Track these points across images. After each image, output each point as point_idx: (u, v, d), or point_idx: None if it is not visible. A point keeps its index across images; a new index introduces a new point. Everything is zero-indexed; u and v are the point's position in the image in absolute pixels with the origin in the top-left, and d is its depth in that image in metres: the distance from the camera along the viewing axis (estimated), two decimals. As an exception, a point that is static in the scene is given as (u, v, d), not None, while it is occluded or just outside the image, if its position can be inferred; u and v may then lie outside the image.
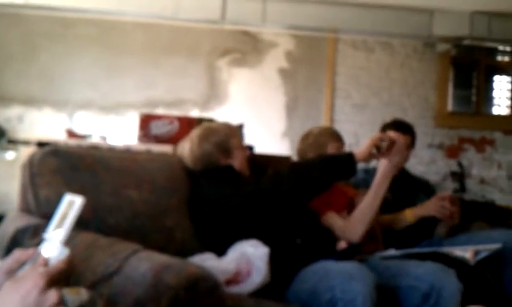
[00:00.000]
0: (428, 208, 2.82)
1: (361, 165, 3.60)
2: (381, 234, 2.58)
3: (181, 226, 2.19)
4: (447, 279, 1.99)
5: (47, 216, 1.82)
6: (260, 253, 1.94)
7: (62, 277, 0.98)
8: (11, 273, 1.04)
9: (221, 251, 2.03)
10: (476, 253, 2.29)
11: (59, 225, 1.06)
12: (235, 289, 1.90)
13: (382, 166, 2.42)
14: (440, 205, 2.77)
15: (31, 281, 0.94)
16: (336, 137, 2.74)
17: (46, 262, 1.00)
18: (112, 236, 1.76)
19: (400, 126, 3.15)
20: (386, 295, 1.98)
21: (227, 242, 2.06)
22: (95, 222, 1.88)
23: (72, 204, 1.08)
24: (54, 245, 1.04)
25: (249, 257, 1.94)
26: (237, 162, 2.42)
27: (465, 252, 2.31)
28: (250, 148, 3.94)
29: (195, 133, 2.48)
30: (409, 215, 2.82)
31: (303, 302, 1.92)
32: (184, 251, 2.01)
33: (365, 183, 3.03)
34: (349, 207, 2.61)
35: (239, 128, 2.59)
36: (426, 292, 1.96)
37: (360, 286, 1.76)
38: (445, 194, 2.81)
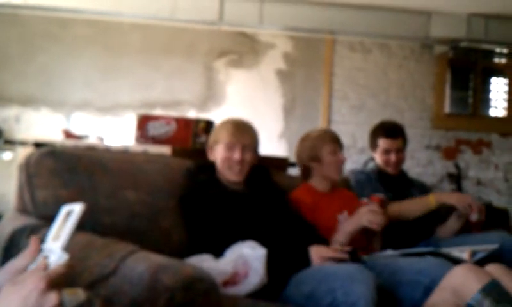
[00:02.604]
0: (452, 197, 2.87)
1: (358, 166, 3.62)
2: (381, 233, 2.59)
3: (178, 227, 2.19)
4: (447, 270, 2.00)
5: (44, 217, 1.84)
6: (258, 254, 1.94)
7: (62, 281, 0.99)
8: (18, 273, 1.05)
9: (218, 252, 2.03)
10: (473, 254, 2.31)
11: (57, 236, 1.07)
12: (232, 290, 1.90)
13: (351, 220, 2.47)
14: (464, 199, 2.81)
15: (31, 283, 0.95)
16: (331, 140, 2.72)
17: (46, 266, 1.01)
18: (109, 237, 1.76)
19: (389, 132, 3.14)
20: (386, 294, 1.98)
21: (223, 243, 2.06)
22: (91, 222, 1.88)
23: (70, 213, 1.09)
24: (53, 251, 1.05)
25: (246, 258, 1.94)
26: (217, 160, 2.42)
27: (463, 253, 2.32)
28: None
29: None
30: (432, 199, 2.86)
31: (301, 305, 1.91)
32: (181, 252, 2.01)
33: (359, 185, 3.05)
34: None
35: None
36: (428, 286, 1.96)
37: (361, 289, 1.74)
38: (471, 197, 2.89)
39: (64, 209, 1.11)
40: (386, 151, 3.11)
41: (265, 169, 2.54)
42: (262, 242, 2.02)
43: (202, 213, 2.21)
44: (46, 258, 1.05)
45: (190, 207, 2.24)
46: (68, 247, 1.05)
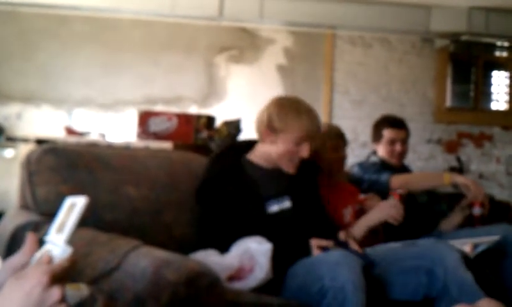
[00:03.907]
0: (467, 181, 2.88)
1: (356, 160, 3.62)
2: (382, 227, 2.60)
3: (181, 222, 2.19)
4: (445, 249, 2.01)
5: (45, 213, 1.84)
6: (263, 249, 1.94)
7: (65, 275, 0.98)
8: (16, 271, 1.05)
9: (224, 248, 2.03)
10: (475, 246, 2.31)
11: (61, 228, 1.06)
12: (237, 285, 1.90)
13: (371, 214, 2.49)
14: (478, 189, 2.82)
15: (34, 277, 0.94)
16: (333, 135, 2.71)
17: (50, 260, 1.01)
18: (111, 233, 1.76)
19: (394, 123, 3.19)
20: (380, 284, 1.98)
21: (230, 238, 2.05)
22: (93, 219, 1.88)
23: (73, 206, 1.08)
24: (57, 244, 1.04)
25: (252, 253, 1.94)
26: (278, 148, 2.22)
27: (464, 246, 2.33)
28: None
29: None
30: (447, 177, 2.88)
31: (296, 297, 1.92)
32: (184, 247, 2.01)
33: (363, 168, 3.07)
34: (357, 213, 2.66)
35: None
36: (430, 268, 1.96)
37: (347, 273, 1.77)
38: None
39: (68, 201, 1.11)
40: (392, 142, 3.13)
41: (314, 164, 2.47)
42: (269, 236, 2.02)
43: (220, 205, 2.16)
44: (49, 251, 1.04)
45: (207, 199, 2.19)
46: (71, 241, 1.04)
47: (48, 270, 0.95)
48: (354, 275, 1.77)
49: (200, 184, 2.23)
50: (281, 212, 2.22)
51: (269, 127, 2.22)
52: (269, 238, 2.01)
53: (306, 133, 2.20)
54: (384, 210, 2.46)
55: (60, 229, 1.06)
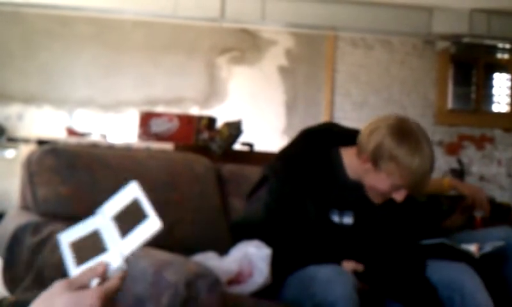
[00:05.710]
0: (465, 186, 2.85)
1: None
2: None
3: (182, 222, 2.19)
4: (465, 275, 1.99)
5: (45, 214, 1.85)
6: (262, 254, 1.94)
7: (115, 294, 0.99)
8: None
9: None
10: (480, 248, 2.32)
11: (113, 211, 1.11)
12: (236, 289, 1.90)
13: None
14: (478, 193, 2.80)
15: (89, 298, 0.95)
16: None
17: (105, 269, 1.01)
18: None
19: None
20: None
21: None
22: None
23: (137, 202, 1.11)
24: (117, 256, 1.04)
25: (251, 258, 1.94)
26: (371, 180, 1.99)
27: (470, 246, 2.33)
28: (250, 145, 3.95)
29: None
30: (446, 182, 2.87)
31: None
32: (185, 248, 2.01)
33: None
34: None
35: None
36: (448, 296, 1.94)
37: (339, 290, 1.73)
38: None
39: (131, 190, 1.13)
40: None
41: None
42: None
43: (293, 189, 2.00)
44: (107, 264, 1.02)
45: (282, 175, 2.02)
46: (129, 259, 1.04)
47: (102, 296, 0.96)
48: (346, 291, 1.73)
49: (281, 157, 2.10)
50: (341, 226, 2.05)
51: (372, 158, 1.95)
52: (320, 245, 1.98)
53: (409, 185, 1.97)
54: None
55: (112, 212, 1.10)
